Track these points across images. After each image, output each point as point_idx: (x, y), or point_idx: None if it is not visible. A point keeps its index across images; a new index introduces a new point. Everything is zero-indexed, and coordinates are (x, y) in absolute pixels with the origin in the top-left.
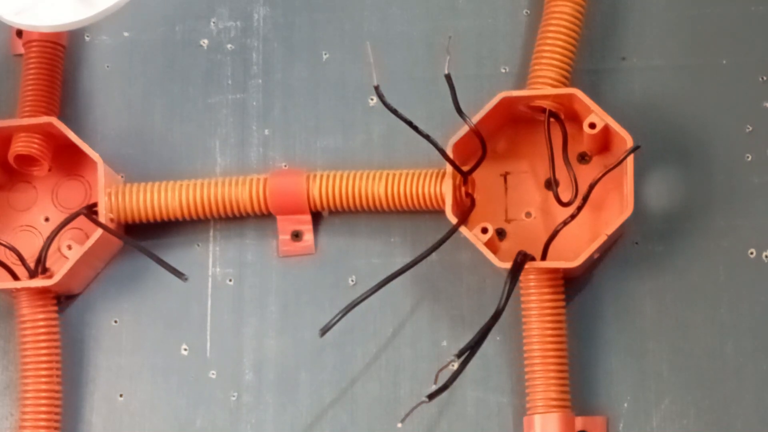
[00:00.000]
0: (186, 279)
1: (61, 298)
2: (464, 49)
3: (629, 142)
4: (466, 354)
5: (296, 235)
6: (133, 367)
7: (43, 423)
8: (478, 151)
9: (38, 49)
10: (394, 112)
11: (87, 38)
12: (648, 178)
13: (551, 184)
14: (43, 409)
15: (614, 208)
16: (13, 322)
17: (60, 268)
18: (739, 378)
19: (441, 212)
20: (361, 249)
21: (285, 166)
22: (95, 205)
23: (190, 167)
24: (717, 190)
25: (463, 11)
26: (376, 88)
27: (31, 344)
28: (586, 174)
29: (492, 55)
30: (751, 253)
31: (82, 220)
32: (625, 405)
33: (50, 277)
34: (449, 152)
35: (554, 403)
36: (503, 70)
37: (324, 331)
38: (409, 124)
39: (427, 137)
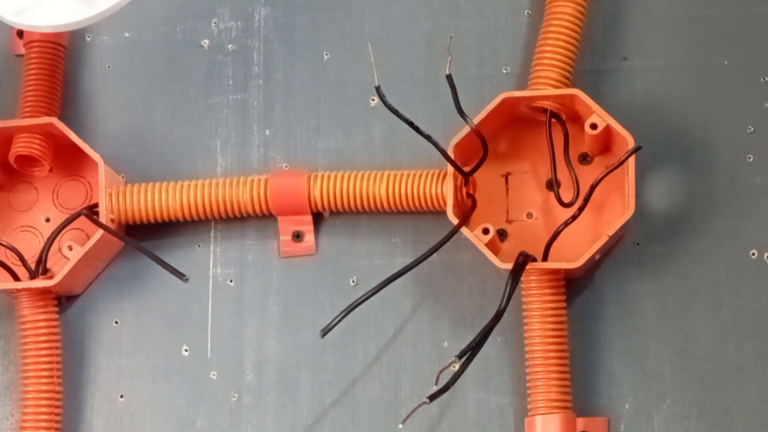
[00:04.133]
0: (187, 280)
1: (62, 299)
2: (465, 50)
3: (630, 143)
4: (467, 355)
5: (297, 236)
6: (133, 367)
7: (43, 424)
8: (479, 151)
9: (39, 49)
10: (395, 112)
11: (88, 38)
12: (649, 179)
13: (552, 185)
14: (44, 410)
15: (616, 208)
16: (13, 322)
17: (61, 269)
18: (740, 379)
19: (442, 213)
20: (362, 250)
21: (286, 166)
22: (96, 205)
23: (191, 168)
24: (718, 191)
25: (465, 11)
26: (377, 89)
27: (32, 345)
28: (587, 175)
29: (493, 56)
30: (753, 254)
31: (82, 221)
32: (627, 406)
33: (51, 277)
34: (450, 153)
35: (555, 404)
36: (504, 71)
37: (325, 331)
38: (410, 124)
39: (428, 138)
